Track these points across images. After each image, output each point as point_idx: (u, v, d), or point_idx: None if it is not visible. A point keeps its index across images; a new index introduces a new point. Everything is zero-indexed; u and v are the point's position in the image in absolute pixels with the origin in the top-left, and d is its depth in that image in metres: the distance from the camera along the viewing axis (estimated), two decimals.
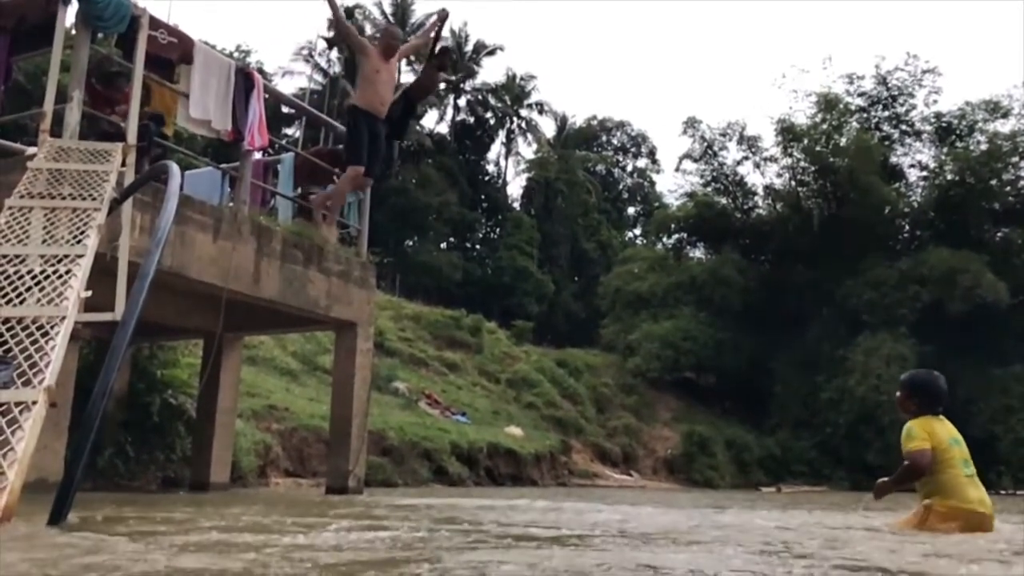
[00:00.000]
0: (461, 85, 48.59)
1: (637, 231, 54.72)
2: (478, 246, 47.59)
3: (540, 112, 50.31)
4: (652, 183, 55.72)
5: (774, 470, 27.85)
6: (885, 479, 4.20)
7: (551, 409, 25.78)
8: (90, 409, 3.25)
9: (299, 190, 9.62)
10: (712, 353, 31.82)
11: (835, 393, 28.84)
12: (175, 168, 4.73)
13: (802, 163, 34.31)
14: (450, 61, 9.97)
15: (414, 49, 7.94)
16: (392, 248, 37.63)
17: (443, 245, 44.84)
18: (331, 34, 43.03)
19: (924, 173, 35.19)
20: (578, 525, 4.29)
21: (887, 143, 34.86)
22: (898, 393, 4.27)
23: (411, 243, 42.37)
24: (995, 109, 33.15)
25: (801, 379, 30.34)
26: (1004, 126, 32.93)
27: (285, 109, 31.01)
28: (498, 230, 47.47)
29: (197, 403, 9.45)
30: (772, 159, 35.64)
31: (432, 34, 8.30)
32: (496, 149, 50.85)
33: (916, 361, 27.58)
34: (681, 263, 36.84)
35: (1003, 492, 21.50)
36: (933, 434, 3.98)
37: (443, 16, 8.45)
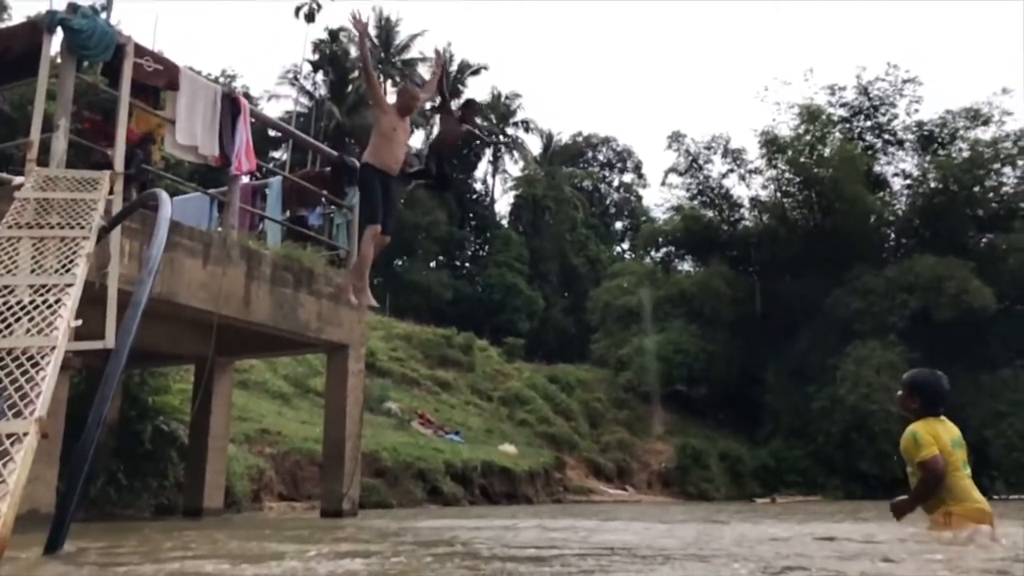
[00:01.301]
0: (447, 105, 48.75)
1: (625, 245, 54.89)
2: (467, 264, 47.60)
3: (526, 130, 50.58)
4: (639, 198, 55.96)
5: (768, 481, 27.83)
6: (903, 498, 4.06)
7: (544, 426, 25.72)
8: (85, 438, 3.25)
9: (288, 213, 9.64)
10: (703, 365, 31.85)
11: (827, 402, 28.89)
12: (164, 195, 4.74)
13: (787, 174, 34.53)
14: (476, 112, 9.99)
15: (425, 102, 7.97)
16: (381, 268, 37.56)
17: (432, 264, 44.82)
18: (315, 57, 43.23)
19: (908, 181, 35.47)
20: (575, 543, 4.28)
21: (870, 153, 35.14)
22: (899, 392, 4.19)
23: (400, 263, 42.35)
24: (975, 117, 33.48)
25: (792, 389, 30.38)
26: (985, 133, 33.29)
27: (272, 133, 31.07)
28: (487, 248, 47.50)
29: (189, 429, 9.40)
30: (757, 171, 35.88)
31: (436, 80, 8.29)
32: (483, 167, 51.02)
33: (906, 368, 27.57)
34: (670, 276, 36.93)
35: (996, 497, 21.55)
36: (938, 437, 3.91)
37: (440, 56, 8.51)
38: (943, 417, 4.06)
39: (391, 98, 7.35)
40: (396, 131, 7.09)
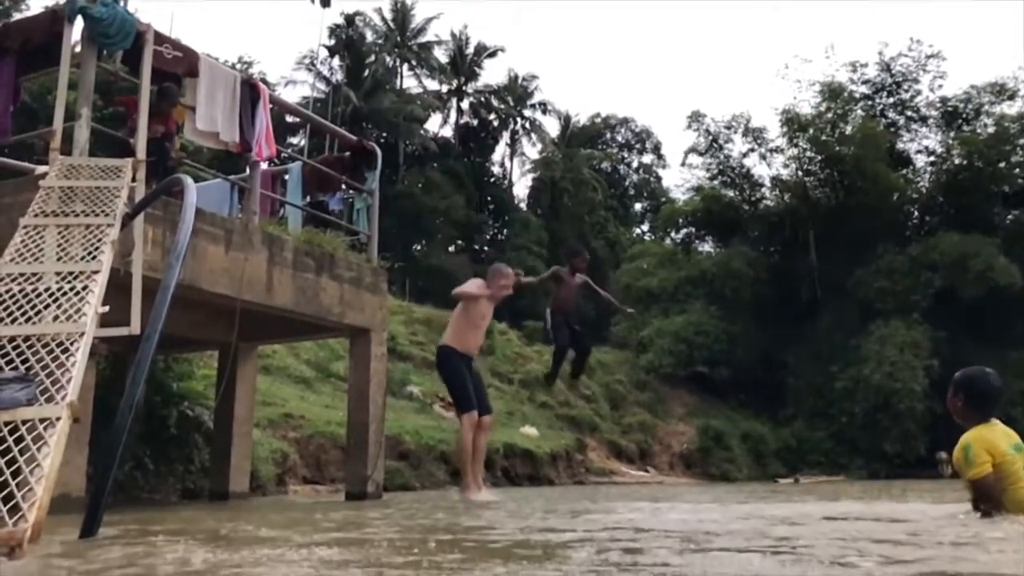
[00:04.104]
0: (463, 88, 48.68)
1: (645, 227, 54.63)
2: (486, 248, 47.64)
3: (543, 112, 50.37)
4: (658, 178, 55.68)
5: (791, 461, 27.77)
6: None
7: (565, 408, 25.76)
8: (119, 421, 3.28)
9: (307, 198, 9.68)
10: (725, 347, 31.73)
11: (850, 382, 28.73)
12: (189, 181, 4.77)
13: (808, 153, 34.19)
14: (583, 262, 9.82)
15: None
16: (401, 253, 37.70)
17: (451, 248, 44.90)
18: (332, 43, 43.23)
19: (931, 158, 35.04)
20: (600, 525, 4.26)
21: (893, 130, 34.71)
22: (949, 395, 3.91)
23: (419, 247, 42.48)
24: (1001, 91, 32.96)
25: (815, 369, 30.24)
26: (1011, 108, 32.79)
27: (289, 118, 31.15)
28: (505, 231, 47.50)
29: (214, 414, 9.50)
30: (778, 150, 35.54)
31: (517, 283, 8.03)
32: (501, 150, 50.97)
33: (931, 348, 27.50)
34: (690, 257, 36.75)
35: None
36: (994, 448, 3.59)
37: (518, 284, 8.29)
38: (995, 420, 3.76)
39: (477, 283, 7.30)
40: (484, 319, 7.19)
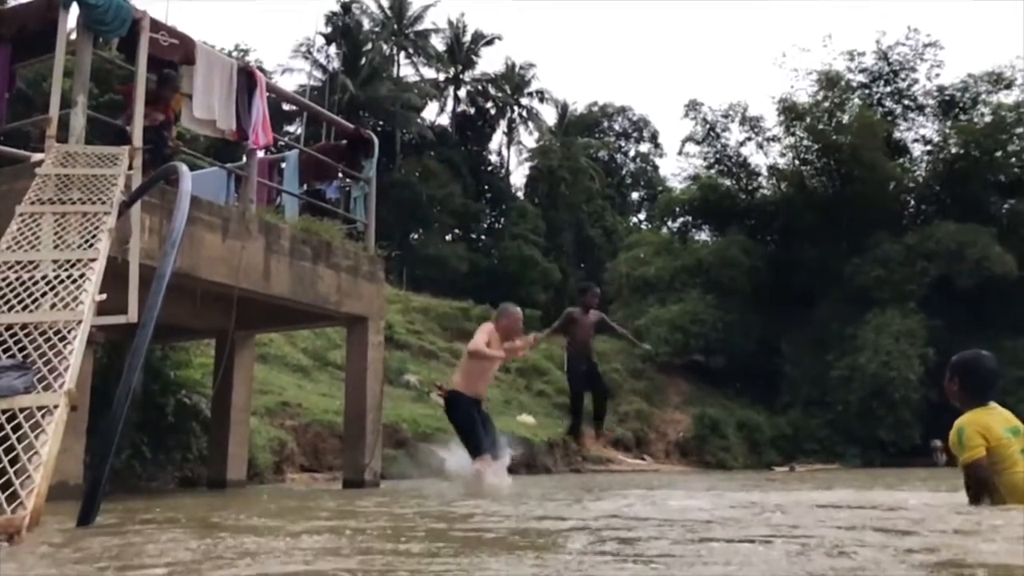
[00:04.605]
0: (460, 76, 48.52)
1: (642, 216, 54.60)
2: (483, 237, 47.55)
3: (541, 100, 50.22)
4: (655, 167, 55.59)
5: (786, 449, 27.83)
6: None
7: (562, 396, 25.66)
8: (115, 408, 3.28)
9: (305, 187, 9.66)
10: (721, 335, 31.73)
11: (845, 371, 28.77)
12: (184, 168, 4.76)
13: (805, 142, 34.11)
14: (594, 297, 9.77)
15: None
16: (398, 241, 37.65)
17: (448, 237, 44.82)
18: (328, 30, 43.03)
19: (928, 147, 34.96)
20: (595, 513, 4.27)
21: (890, 119, 34.64)
22: (945, 379, 3.85)
23: (416, 236, 42.40)
24: (998, 80, 32.89)
25: (811, 358, 30.26)
26: (1008, 97, 32.67)
27: (286, 107, 31.02)
28: (503, 220, 47.40)
29: (212, 402, 9.51)
30: (775, 139, 35.44)
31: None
32: (498, 139, 50.81)
33: (926, 336, 27.56)
34: (687, 246, 36.69)
35: None
36: (988, 431, 3.54)
37: (535, 344, 8.27)
38: (993, 404, 3.70)
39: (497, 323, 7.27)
40: (494, 362, 7.17)
